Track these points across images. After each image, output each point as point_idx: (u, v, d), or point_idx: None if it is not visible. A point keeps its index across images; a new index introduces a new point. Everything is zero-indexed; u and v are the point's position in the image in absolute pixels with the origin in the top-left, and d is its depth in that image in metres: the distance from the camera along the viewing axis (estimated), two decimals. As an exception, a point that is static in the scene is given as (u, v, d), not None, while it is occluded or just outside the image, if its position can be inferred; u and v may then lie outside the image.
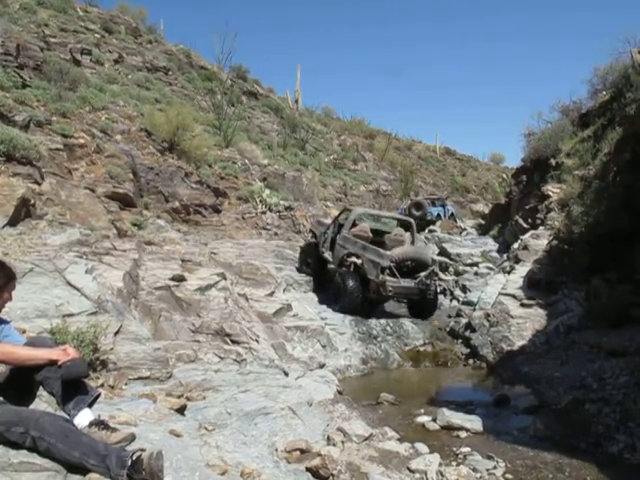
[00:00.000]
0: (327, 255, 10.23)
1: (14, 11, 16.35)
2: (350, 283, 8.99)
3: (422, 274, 9.27)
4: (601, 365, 6.53)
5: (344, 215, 10.59)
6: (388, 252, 9.14)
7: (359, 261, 9.19)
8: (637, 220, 7.64)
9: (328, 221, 11.42)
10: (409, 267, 9.33)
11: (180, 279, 7.15)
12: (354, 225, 10.11)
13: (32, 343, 2.89)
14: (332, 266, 10.08)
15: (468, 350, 8.71)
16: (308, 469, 3.84)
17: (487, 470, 4.65)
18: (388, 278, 8.88)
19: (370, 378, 7.79)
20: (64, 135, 10.49)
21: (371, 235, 10.05)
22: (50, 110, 11.15)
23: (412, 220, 11.18)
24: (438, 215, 21.76)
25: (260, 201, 15.02)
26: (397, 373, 8.13)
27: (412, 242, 10.38)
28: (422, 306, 9.69)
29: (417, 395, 7.00)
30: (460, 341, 9.15)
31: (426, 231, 19.07)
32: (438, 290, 10.25)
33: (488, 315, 8.96)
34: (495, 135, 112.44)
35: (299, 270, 10.84)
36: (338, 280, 9.28)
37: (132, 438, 2.91)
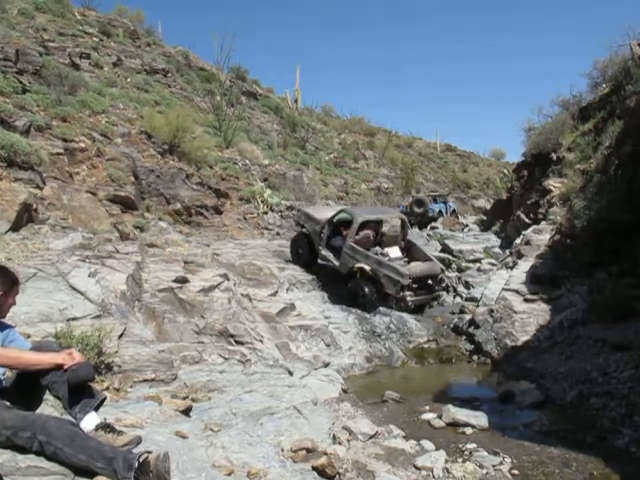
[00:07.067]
0: (325, 253, 10.40)
1: (12, 16, 16.38)
2: (367, 291, 9.49)
3: (432, 282, 10.23)
4: (606, 359, 6.52)
5: (341, 216, 10.57)
6: (406, 270, 9.59)
7: (368, 269, 9.62)
8: (639, 213, 7.62)
9: (315, 212, 11.45)
10: (423, 280, 10.04)
11: (183, 281, 7.16)
12: (358, 231, 10.12)
13: (38, 348, 2.90)
14: (335, 264, 10.21)
15: (472, 346, 8.69)
16: (314, 468, 3.85)
17: (493, 466, 4.65)
18: (407, 293, 9.56)
19: (375, 376, 7.79)
20: (65, 139, 10.51)
21: (372, 240, 10.34)
22: (50, 114, 11.17)
23: (405, 217, 11.56)
24: (440, 212, 21.72)
25: (261, 201, 15.03)
26: (401, 371, 8.12)
27: (404, 237, 10.97)
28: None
29: (422, 392, 7.00)
30: (464, 337, 9.14)
31: (428, 228, 19.05)
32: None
33: (492, 311, 8.95)
34: (496, 131, 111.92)
35: (294, 262, 11.12)
36: (354, 288, 9.70)
37: (138, 440, 2.92)
